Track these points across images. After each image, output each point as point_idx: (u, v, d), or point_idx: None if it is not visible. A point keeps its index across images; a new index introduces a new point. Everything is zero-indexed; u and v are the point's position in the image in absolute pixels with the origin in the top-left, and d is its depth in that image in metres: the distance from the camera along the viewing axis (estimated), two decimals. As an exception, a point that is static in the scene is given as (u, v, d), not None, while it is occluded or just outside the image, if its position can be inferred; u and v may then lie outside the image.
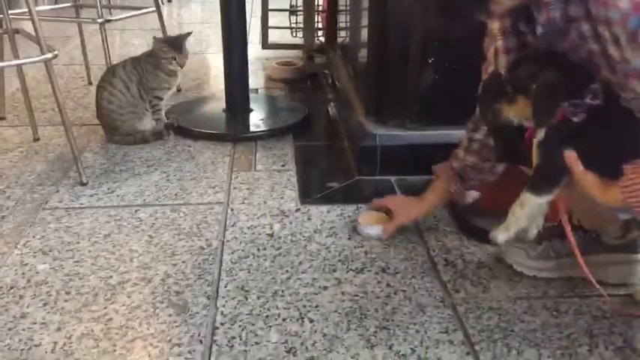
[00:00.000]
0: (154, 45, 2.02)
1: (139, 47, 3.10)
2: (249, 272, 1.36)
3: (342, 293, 1.29)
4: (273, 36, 3.16)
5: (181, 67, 2.05)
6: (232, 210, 1.65)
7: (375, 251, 1.44)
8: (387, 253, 1.44)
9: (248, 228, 1.56)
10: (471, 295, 1.29)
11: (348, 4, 2.49)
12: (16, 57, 1.94)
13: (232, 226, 1.57)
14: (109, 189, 1.76)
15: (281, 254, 1.43)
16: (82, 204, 1.67)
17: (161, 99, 2.07)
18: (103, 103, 2.00)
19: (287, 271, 1.36)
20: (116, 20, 2.15)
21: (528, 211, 1.09)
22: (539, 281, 1.33)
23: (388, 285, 1.32)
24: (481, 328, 1.18)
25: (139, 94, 2.00)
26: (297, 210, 1.65)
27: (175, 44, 2.03)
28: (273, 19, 3.15)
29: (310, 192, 1.75)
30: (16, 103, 2.36)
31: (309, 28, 2.95)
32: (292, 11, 3.19)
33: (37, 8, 2.20)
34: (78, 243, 1.48)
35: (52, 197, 1.70)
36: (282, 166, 1.93)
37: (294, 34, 3.24)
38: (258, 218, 1.61)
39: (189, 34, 2.10)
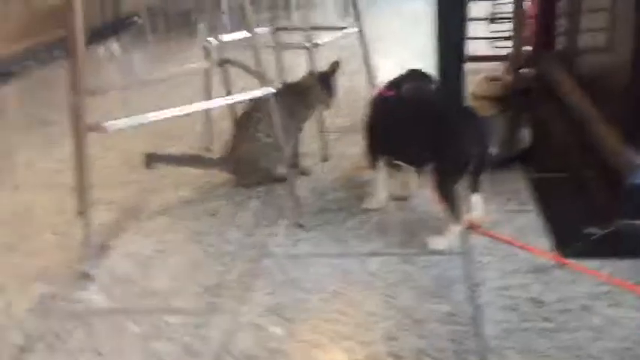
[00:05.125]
0: (307, 78, 1.86)
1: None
2: (521, 354, 1.10)
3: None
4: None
5: (328, 107, 1.89)
6: (476, 263, 1.40)
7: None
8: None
9: (502, 289, 1.30)
10: None
11: (578, 5, 2.15)
12: (229, 90, 1.86)
13: (481, 285, 1.32)
14: (328, 232, 1.59)
15: (556, 329, 1.16)
16: (302, 251, 1.52)
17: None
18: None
19: (576, 356, 1.08)
20: (323, 44, 2.01)
21: None
22: None
23: None
24: None
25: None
26: (558, 266, 1.36)
27: (327, 82, 1.85)
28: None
29: (566, 241, 1.45)
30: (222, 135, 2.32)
31: (518, 36, 2.63)
32: (493, 19, 2.90)
33: (235, 36, 2.13)
34: (308, 301, 1.32)
35: (270, 241, 1.57)
36: (521, 205, 1.65)
37: (493, 45, 2.95)
38: (510, 275, 1.34)
39: (337, 65, 1.90)
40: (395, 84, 1.64)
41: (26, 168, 2.21)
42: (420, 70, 1.69)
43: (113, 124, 1.42)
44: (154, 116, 1.47)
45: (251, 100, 1.78)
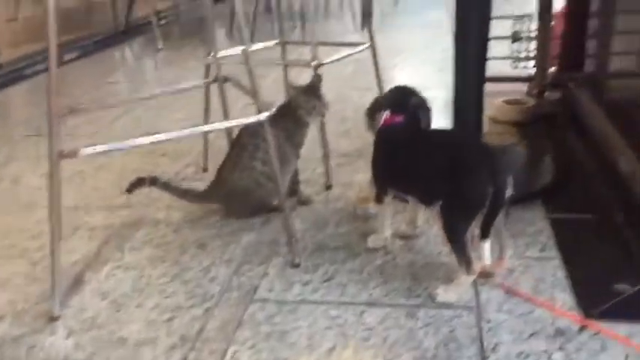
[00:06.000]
0: (290, 94, 1.70)
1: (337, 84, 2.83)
2: None
3: None
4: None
5: (323, 116, 1.72)
6: (488, 322, 1.23)
7: None
8: None
9: (516, 356, 1.13)
10: None
11: (610, 25, 1.98)
12: (226, 110, 1.71)
13: (493, 350, 1.15)
14: (325, 274, 1.44)
15: (580, 414, 0.99)
16: (295, 296, 1.36)
17: None
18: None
19: None
20: (330, 63, 1.86)
21: None
22: None
23: None
24: None
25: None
26: (582, 330, 1.19)
27: (313, 92, 1.68)
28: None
29: (592, 298, 1.27)
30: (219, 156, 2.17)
31: (542, 57, 2.46)
32: (516, 38, 2.72)
33: (233, 51, 1.96)
34: (295, 360, 1.16)
35: (261, 283, 1.42)
36: (541, 251, 1.48)
37: (515, 65, 2.78)
38: (527, 339, 1.18)
39: (319, 77, 1.73)
40: (386, 103, 1.48)
41: (12, 183, 2.09)
42: (407, 87, 1.52)
43: (88, 151, 1.28)
44: (134, 143, 1.33)
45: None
